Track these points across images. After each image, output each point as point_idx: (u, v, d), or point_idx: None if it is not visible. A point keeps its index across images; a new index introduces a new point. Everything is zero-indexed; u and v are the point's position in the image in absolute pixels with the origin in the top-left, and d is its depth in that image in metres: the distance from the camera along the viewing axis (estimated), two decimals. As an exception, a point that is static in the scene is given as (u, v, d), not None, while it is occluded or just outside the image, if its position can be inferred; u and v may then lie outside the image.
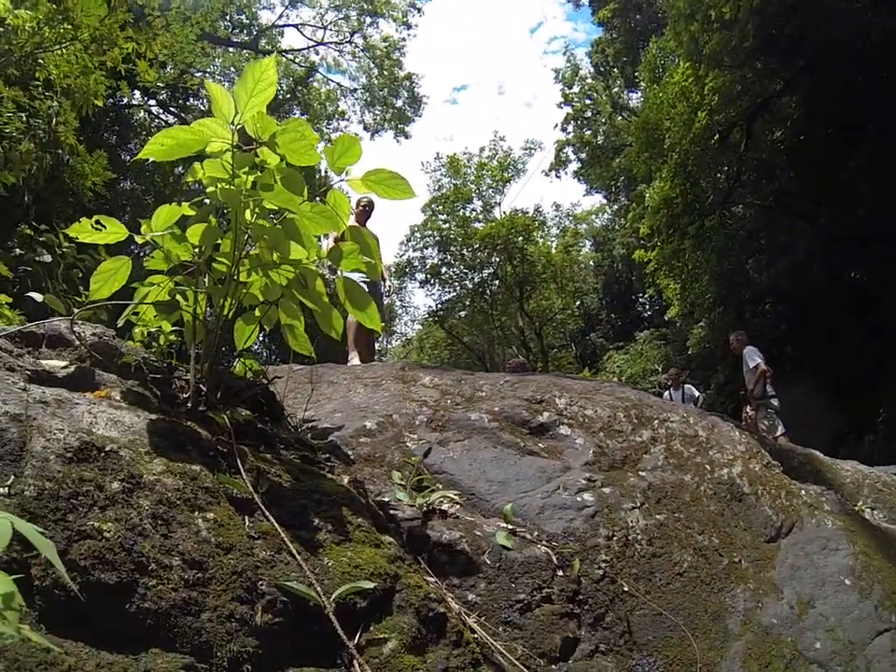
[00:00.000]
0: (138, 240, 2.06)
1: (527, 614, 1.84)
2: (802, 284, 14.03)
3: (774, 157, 15.26)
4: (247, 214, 1.97)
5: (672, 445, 2.93)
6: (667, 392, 9.90)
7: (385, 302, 7.36)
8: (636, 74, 22.34)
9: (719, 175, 15.57)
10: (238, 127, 1.91)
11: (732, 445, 3.16)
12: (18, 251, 5.92)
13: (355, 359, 6.15)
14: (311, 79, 25.97)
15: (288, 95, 24.97)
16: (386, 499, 1.97)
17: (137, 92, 16.85)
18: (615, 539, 2.20)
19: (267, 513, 1.41)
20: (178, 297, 2.15)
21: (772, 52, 12.76)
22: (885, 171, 11.61)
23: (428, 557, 1.81)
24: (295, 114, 25.26)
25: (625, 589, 2.08)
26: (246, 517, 1.42)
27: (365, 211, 6.83)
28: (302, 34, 25.09)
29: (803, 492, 3.21)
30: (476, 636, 1.66)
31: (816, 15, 11.72)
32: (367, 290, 5.57)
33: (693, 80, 13.68)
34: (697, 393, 10.07)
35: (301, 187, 1.96)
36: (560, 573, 1.95)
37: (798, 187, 14.44)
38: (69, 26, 6.96)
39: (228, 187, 1.96)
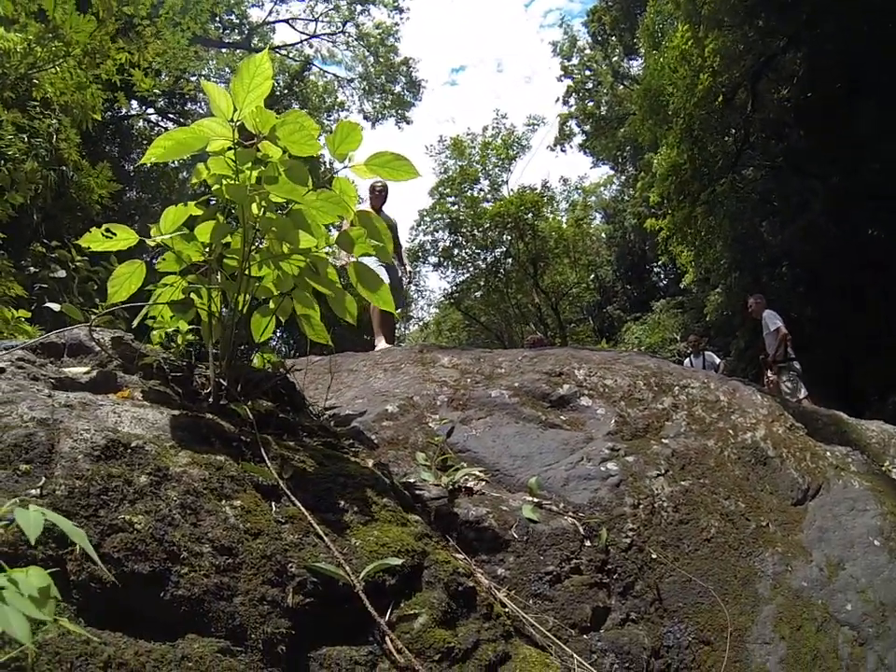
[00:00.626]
0: (149, 243, 2.08)
1: (557, 586, 1.85)
2: (817, 244, 13.81)
3: (781, 116, 14.95)
4: (254, 208, 1.99)
5: (694, 411, 2.92)
6: (688, 360, 9.82)
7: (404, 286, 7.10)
8: (635, 41, 21.96)
9: (726, 137, 15.30)
10: (238, 124, 1.92)
11: (754, 409, 3.13)
12: (32, 269, 6.00)
13: (381, 343, 5.96)
14: (307, 73, 25.88)
15: (286, 91, 24.92)
16: (412, 480, 1.98)
17: (135, 102, 16.91)
18: (641, 507, 2.20)
19: (293, 498, 1.43)
20: (193, 295, 2.17)
21: (772, 9, 12.51)
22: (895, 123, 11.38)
23: (457, 535, 1.83)
24: (294, 108, 25.23)
25: (653, 557, 2.09)
26: (273, 503, 1.44)
27: (380, 195, 6.60)
28: (294, 28, 25.00)
29: (828, 453, 3.18)
30: (507, 609, 1.67)
31: None
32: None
33: (694, 43, 13.42)
34: (718, 360, 9.96)
35: (305, 177, 1.97)
36: (588, 543, 1.96)
37: (808, 145, 14.16)
38: (60, 43, 6.98)
39: (233, 183, 1.97)
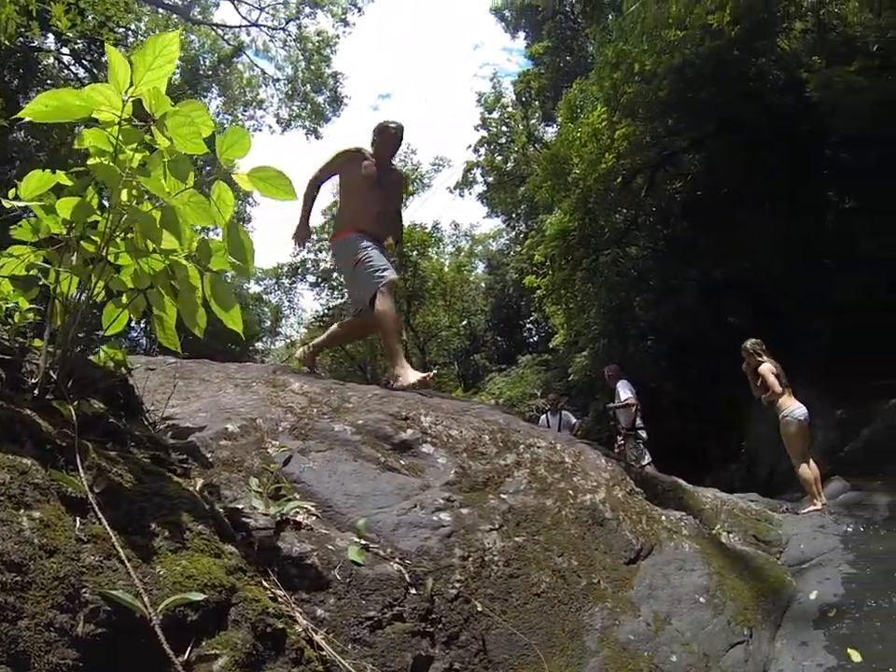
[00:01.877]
0: (5, 204, 1.91)
1: (378, 632, 1.81)
2: (684, 326, 15.05)
3: (671, 206, 16.29)
4: (124, 194, 1.87)
5: (536, 470, 2.98)
6: (544, 416, 10.09)
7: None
8: (555, 110, 23.20)
9: (617, 215, 16.41)
10: (132, 99, 1.83)
11: (597, 472, 3.28)
12: None
13: (409, 374, 4.15)
14: (236, 60, 25.01)
15: (210, 72, 23.92)
16: (240, 506, 1.88)
17: (51, 37, 15.55)
18: (471, 559, 2.21)
19: (100, 515, 1.31)
20: (38, 272, 2.00)
21: (684, 112, 13.74)
22: (770, 232, 12.83)
23: (278, 569, 1.75)
24: (213, 93, 24.26)
25: (479, 609, 2.10)
26: (78, 518, 1.32)
27: (393, 142, 4.78)
28: (238, 11, 24.05)
29: (663, 517, 3.38)
30: (323, 652, 1.62)
31: (731, 88, 12.79)
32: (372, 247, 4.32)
33: (607, 125, 14.46)
34: (574, 420, 10.32)
35: (186, 173, 1.88)
36: (413, 591, 1.94)
37: (690, 236, 15.48)
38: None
39: (105, 163, 1.85)
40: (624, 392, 8.91)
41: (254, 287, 33.51)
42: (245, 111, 25.47)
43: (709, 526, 3.93)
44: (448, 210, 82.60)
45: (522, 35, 28.94)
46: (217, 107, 24.83)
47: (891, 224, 10.49)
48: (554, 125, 25.71)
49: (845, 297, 11.43)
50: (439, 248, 30.48)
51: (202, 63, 23.76)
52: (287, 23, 24.26)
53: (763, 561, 3.70)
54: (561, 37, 25.64)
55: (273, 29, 24.33)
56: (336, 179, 4.78)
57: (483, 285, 32.23)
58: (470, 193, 29.76)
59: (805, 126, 12.64)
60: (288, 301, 32.28)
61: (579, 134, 15.12)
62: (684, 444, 14.10)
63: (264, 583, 1.67)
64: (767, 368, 6.27)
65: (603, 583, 2.59)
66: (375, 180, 4.53)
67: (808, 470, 5.98)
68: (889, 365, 10.14)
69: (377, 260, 4.24)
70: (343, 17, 24.36)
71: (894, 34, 10.22)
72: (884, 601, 3.20)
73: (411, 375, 3.95)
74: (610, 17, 18.68)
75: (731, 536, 4.01)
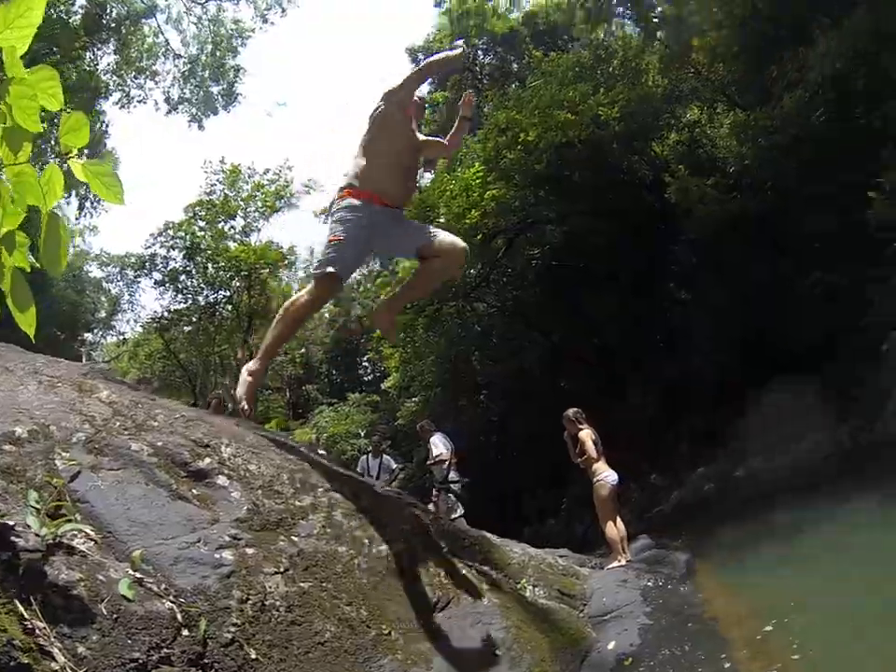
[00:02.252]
0: None
1: (143, 675, 1.69)
2: (520, 385, 15.85)
3: (525, 271, 17.21)
4: (-56, 158, 1.67)
5: (333, 515, 2.94)
6: (365, 457, 9.84)
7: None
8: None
9: (471, 269, 17.02)
10: None
11: (399, 523, 3.29)
12: None
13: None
14: (145, 21, 22.93)
15: (114, 24, 21.76)
16: (11, 523, 1.69)
17: None
18: (249, 602, 2.13)
19: None
20: None
21: (556, 188, 14.77)
22: (616, 312, 14.14)
23: (42, 598, 1.58)
24: (110, 47, 22.01)
25: (254, 656, 2.01)
26: None
27: (418, 107, 4.48)
28: (163, -29, 22.27)
29: (464, 571, 3.42)
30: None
31: (603, 176, 14.07)
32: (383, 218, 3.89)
33: (481, 183, 15.11)
34: (395, 464, 10.14)
35: (20, 146, 1.72)
36: (185, 633, 1.83)
37: (539, 301, 16.44)
38: None
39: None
40: (437, 448, 8.94)
41: (95, 272, 30.42)
42: (137, 78, 23.34)
43: (515, 580, 4.03)
44: (309, 234, 79.11)
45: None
46: (109, 65, 22.61)
47: (721, 323, 12.11)
48: (432, 172, 26.41)
49: (675, 378, 12.85)
50: (291, 271, 29.69)
51: (108, 11, 21.56)
52: (207, 1, 22.89)
53: (565, 614, 3.88)
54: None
55: (192, 1, 22.81)
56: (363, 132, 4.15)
57: (326, 315, 31.67)
58: (335, 222, 29.29)
59: (662, 224, 14.22)
60: (129, 294, 29.51)
61: (452, 186, 15.63)
62: (507, 499, 14.74)
63: (24, 613, 1.51)
64: (586, 434, 6.84)
65: (394, 634, 2.58)
66: (415, 146, 4.21)
67: (615, 529, 6.55)
68: (704, 440, 11.70)
69: (342, 249, 3.73)
70: (265, 13, 23.45)
71: (751, 162, 11.88)
72: (677, 649, 3.53)
73: (243, 388, 3.65)
74: (513, 86, 19.83)
75: (536, 590, 4.11)
